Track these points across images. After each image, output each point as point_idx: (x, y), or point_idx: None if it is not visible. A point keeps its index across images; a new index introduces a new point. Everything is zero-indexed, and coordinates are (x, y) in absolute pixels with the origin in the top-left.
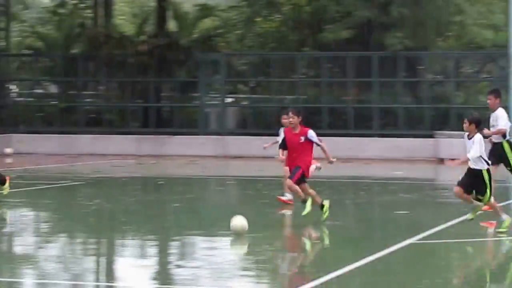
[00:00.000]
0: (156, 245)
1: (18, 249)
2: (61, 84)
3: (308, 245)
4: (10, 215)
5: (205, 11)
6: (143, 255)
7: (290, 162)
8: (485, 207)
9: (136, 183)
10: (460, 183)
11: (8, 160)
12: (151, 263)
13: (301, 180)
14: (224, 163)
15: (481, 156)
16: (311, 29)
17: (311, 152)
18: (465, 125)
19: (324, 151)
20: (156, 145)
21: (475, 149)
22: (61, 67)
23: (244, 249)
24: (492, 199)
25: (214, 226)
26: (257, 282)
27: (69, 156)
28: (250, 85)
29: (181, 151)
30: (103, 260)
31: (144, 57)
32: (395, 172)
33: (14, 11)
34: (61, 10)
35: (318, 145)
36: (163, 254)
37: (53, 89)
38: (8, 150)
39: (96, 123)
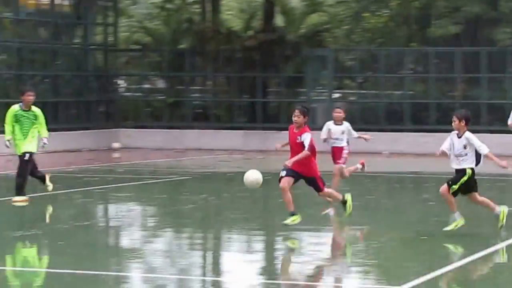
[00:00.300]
0: (262, 240)
1: (125, 243)
2: (169, 79)
3: (414, 241)
4: (118, 209)
5: (313, 6)
6: (249, 250)
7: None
8: None
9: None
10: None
11: (116, 155)
12: (258, 258)
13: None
14: (331, 158)
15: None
16: (419, 24)
17: (314, 156)
18: (455, 123)
19: (298, 157)
20: (263, 140)
21: (481, 145)
22: (169, 62)
23: (350, 244)
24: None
25: (321, 221)
26: (364, 278)
27: (176, 151)
28: (358, 80)
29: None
30: (209, 254)
31: (251, 52)
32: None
33: (122, 6)
34: (169, 6)
35: (303, 148)
36: (269, 249)
37: (160, 84)
38: (116, 145)
39: (203, 118)
